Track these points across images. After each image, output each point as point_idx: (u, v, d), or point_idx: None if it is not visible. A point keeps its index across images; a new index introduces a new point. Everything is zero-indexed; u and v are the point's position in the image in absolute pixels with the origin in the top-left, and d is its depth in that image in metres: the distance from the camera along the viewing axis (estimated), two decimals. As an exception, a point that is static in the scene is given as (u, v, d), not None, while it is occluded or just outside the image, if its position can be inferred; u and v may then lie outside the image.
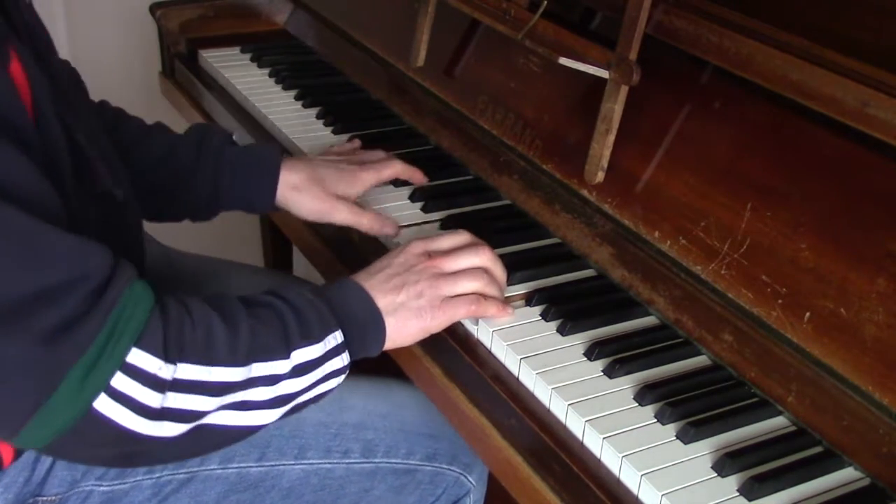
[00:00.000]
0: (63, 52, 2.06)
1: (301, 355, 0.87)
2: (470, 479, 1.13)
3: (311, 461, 1.07)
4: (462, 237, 1.02)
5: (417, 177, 1.23)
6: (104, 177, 0.89)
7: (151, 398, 0.79)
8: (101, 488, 1.01)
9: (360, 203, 1.17)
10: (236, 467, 1.05)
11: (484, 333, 0.98)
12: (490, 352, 0.97)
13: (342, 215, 1.14)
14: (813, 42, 0.91)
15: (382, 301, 0.94)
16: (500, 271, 1.01)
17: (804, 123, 0.92)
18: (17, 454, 0.96)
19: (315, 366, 0.89)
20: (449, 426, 1.06)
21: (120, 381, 0.77)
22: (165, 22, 1.64)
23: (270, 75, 1.56)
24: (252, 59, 1.61)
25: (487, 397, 0.94)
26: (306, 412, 1.07)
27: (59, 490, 0.99)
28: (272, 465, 1.06)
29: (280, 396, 0.87)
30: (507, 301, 1.01)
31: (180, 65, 1.64)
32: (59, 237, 0.76)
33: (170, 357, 0.80)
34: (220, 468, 1.04)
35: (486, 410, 0.94)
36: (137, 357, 0.78)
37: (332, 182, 1.15)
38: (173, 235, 1.38)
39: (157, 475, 1.02)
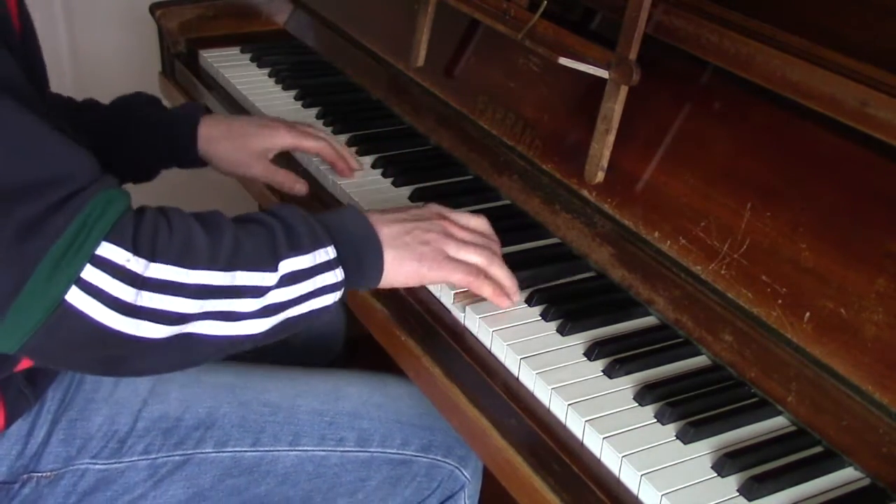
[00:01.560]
0: (63, 52, 2.07)
1: (289, 265, 0.87)
2: (465, 473, 1.14)
3: (305, 448, 1.07)
4: (482, 222, 1.03)
5: (341, 165, 1.24)
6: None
7: (124, 291, 0.79)
8: (96, 467, 1.01)
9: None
10: (231, 451, 1.05)
11: (484, 333, 0.98)
12: (490, 352, 0.97)
13: (257, 170, 1.21)
14: (813, 42, 0.91)
15: (386, 231, 0.95)
16: (500, 272, 1.01)
17: (804, 123, 0.92)
18: (9, 420, 0.96)
19: (305, 276, 0.88)
20: (444, 419, 1.06)
21: (90, 273, 0.78)
22: (165, 22, 1.64)
23: (270, 75, 1.56)
24: (252, 59, 1.61)
25: (487, 397, 0.94)
26: (301, 399, 1.08)
27: (53, 466, 1.00)
28: (267, 451, 1.06)
29: (269, 306, 0.87)
30: (513, 290, 1.01)
31: (180, 65, 1.64)
32: (53, 135, 0.79)
33: (140, 251, 0.80)
34: (214, 452, 1.05)
35: (485, 410, 0.94)
36: (106, 249, 0.79)
37: (250, 136, 1.21)
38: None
39: (153, 456, 1.03)
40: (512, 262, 1.05)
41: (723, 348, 0.93)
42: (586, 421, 0.86)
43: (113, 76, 2.12)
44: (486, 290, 0.98)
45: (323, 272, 0.89)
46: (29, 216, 0.76)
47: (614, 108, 1.03)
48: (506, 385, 0.93)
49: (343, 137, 1.36)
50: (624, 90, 1.02)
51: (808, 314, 0.87)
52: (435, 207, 1.02)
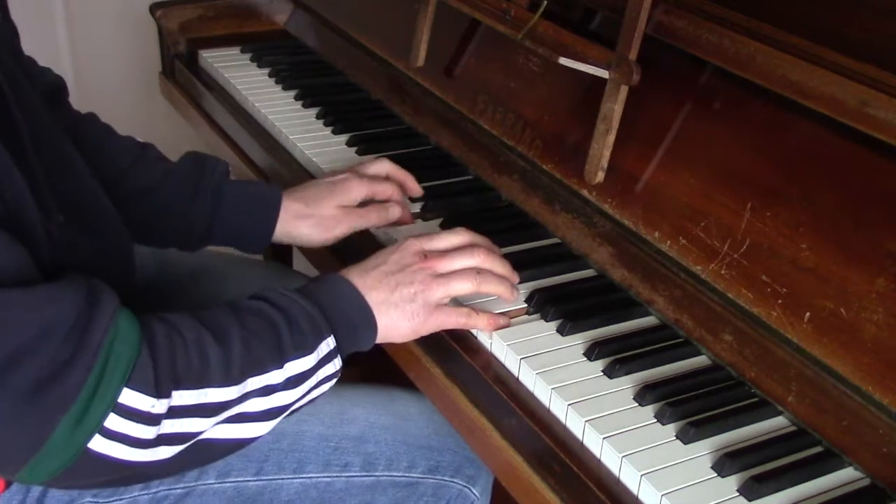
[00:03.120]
0: (63, 52, 2.07)
1: (295, 367, 0.87)
2: (474, 491, 1.12)
3: (309, 475, 1.06)
4: (459, 237, 1.02)
5: (410, 185, 1.21)
6: (47, 207, 0.85)
7: (146, 432, 0.79)
8: None
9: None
10: (233, 482, 1.03)
11: (484, 334, 0.98)
12: (490, 352, 0.97)
13: (346, 225, 1.14)
14: (813, 42, 0.91)
15: (374, 299, 0.94)
16: (499, 267, 1.01)
17: (804, 123, 0.92)
18: (9, 482, 0.95)
19: (308, 376, 0.89)
20: (453, 438, 1.05)
21: (114, 422, 0.77)
22: (165, 22, 1.64)
23: (270, 75, 1.56)
24: (252, 59, 1.61)
25: (487, 397, 0.94)
26: (306, 425, 1.07)
27: None
28: (270, 479, 1.05)
29: (274, 408, 0.87)
30: (506, 314, 1.00)
31: (180, 65, 1.64)
32: (14, 296, 0.74)
33: (162, 393, 0.79)
34: (217, 482, 1.03)
35: (486, 410, 0.94)
36: (129, 397, 0.77)
37: (328, 198, 1.14)
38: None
39: (154, 490, 1.01)
40: (512, 262, 1.05)
41: (723, 348, 0.93)
42: (586, 421, 0.86)
43: (113, 76, 2.12)
44: (480, 323, 0.98)
45: (324, 365, 0.90)
46: (30, 378, 0.73)
47: (614, 108, 1.03)
48: (506, 385, 0.93)
49: (343, 137, 1.36)
50: (624, 90, 1.02)
51: (808, 314, 0.87)
52: (413, 245, 0.99)
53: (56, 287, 0.77)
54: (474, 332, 0.99)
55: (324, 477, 1.06)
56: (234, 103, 1.51)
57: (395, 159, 1.28)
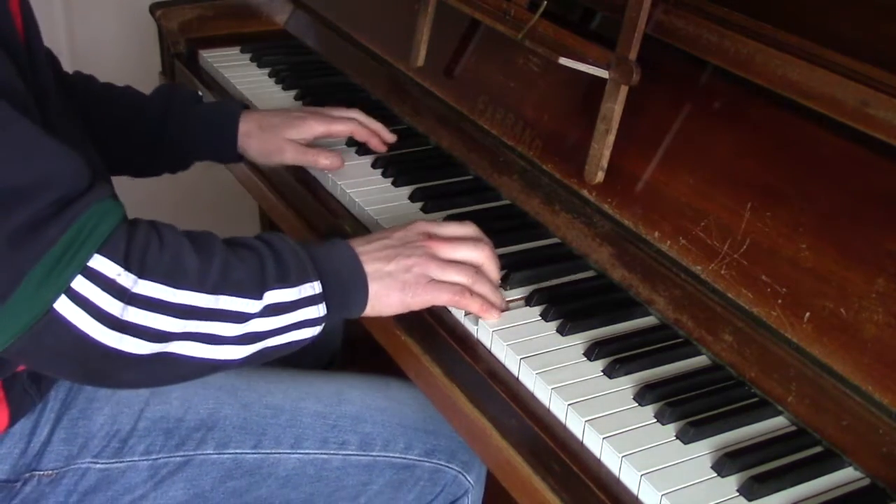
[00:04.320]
0: (63, 52, 2.07)
1: (274, 296, 0.88)
2: (469, 478, 1.13)
3: (307, 451, 1.07)
4: (467, 229, 1.03)
5: (374, 142, 1.27)
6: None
7: (111, 305, 0.80)
8: (97, 466, 1.01)
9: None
10: (232, 453, 1.05)
11: (484, 333, 0.98)
12: (490, 352, 0.97)
13: (288, 155, 1.24)
14: (813, 42, 0.91)
15: (371, 266, 0.96)
16: (494, 271, 1.01)
17: (804, 123, 0.92)
18: (13, 419, 0.96)
19: (288, 309, 0.89)
20: (447, 424, 1.06)
21: (80, 284, 0.79)
22: (165, 22, 1.64)
23: (270, 75, 1.56)
24: (252, 59, 1.61)
25: (487, 397, 0.94)
26: (304, 402, 1.08)
27: (55, 465, 1.00)
28: (268, 453, 1.06)
29: (249, 334, 0.88)
30: (499, 304, 1.00)
31: (180, 65, 1.64)
32: (41, 137, 0.79)
33: (131, 267, 0.81)
34: (215, 453, 1.05)
35: (486, 410, 0.94)
36: (98, 262, 0.80)
37: (281, 128, 1.24)
38: (174, 218, 1.38)
39: (154, 457, 1.03)
40: (512, 262, 1.06)
41: (723, 348, 0.93)
42: (586, 421, 0.86)
43: (113, 76, 2.12)
44: (473, 306, 0.98)
45: (306, 306, 0.91)
46: (21, 221, 0.77)
47: (614, 108, 1.04)
48: (506, 385, 0.93)
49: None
50: (624, 90, 1.02)
51: (808, 314, 0.87)
52: (420, 226, 1.02)
53: (73, 153, 0.82)
54: (474, 331, 0.99)
55: (321, 454, 1.07)
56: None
57: (396, 159, 1.29)
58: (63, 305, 0.79)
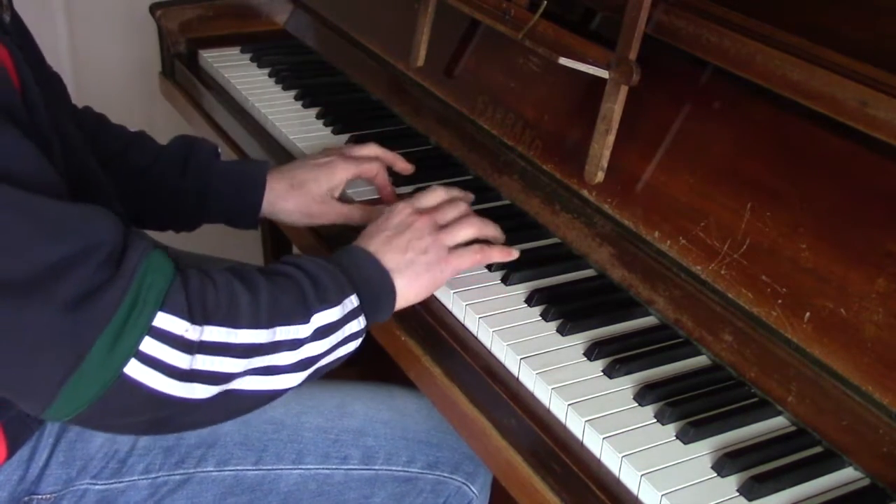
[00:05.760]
0: (63, 52, 2.07)
1: (321, 318, 0.88)
2: (473, 488, 1.12)
3: (308, 466, 1.06)
4: (440, 192, 1.06)
5: (400, 165, 1.23)
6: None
7: (180, 359, 0.80)
8: (97, 487, 1.01)
9: (348, 198, 1.19)
10: (233, 470, 1.04)
11: (484, 333, 0.98)
12: (490, 352, 0.97)
13: (331, 217, 1.16)
14: (813, 42, 0.91)
15: (391, 261, 0.96)
16: (491, 230, 1.06)
17: (804, 123, 0.92)
18: (11, 451, 0.96)
19: (335, 328, 0.90)
20: (452, 435, 1.06)
21: (149, 346, 0.78)
22: (165, 22, 1.64)
23: (270, 75, 1.56)
24: (252, 59, 1.61)
25: (487, 397, 0.94)
26: (305, 417, 1.07)
27: (54, 488, 0.99)
28: (269, 469, 1.05)
29: (303, 360, 0.88)
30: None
31: (180, 65, 1.64)
32: (68, 208, 0.78)
33: (195, 319, 0.81)
34: (216, 470, 1.04)
35: (485, 410, 0.94)
36: (164, 320, 0.79)
37: (312, 182, 1.16)
38: (171, 234, 1.37)
39: (154, 475, 1.02)
40: (512, 261, 1.06)
41: (723, 348, 0.93)
42: (586, 421, 0.86)
43: (113, 76, 2.12)
44: (495, 255, 1.02)
45: (350, 321, 0.91)
46: (74, 291, 0.75)
47: (614, 108, 1.04)
48: (506, 385, 0.93)
49: (343, 137, 1.36)
50: (624, 90, 1.02)
51: (808, 314, 0.87)
52: (405, 207, 1.02)
53: (102, 210, 0.80)
54: (474, 331, 0.99)
55: (323, 469, 1.07)
56: (234, 103, 1.51)
57: (396, 159, 1.29)
58: (133, 368, 0.78)
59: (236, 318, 0.83)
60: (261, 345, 0.84)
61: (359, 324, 0.92)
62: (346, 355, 0.93)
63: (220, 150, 1.22)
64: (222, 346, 0.82)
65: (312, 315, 0.88)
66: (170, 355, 0.79)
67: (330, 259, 0.95)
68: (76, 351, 0.75)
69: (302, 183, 1.16)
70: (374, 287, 0.94)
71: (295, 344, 0.87)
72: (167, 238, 1.34)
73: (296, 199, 1.15)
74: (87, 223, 0.78)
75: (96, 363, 0.76)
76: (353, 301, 0.91)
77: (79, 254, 0.76)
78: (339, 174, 1.17)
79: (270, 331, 0.85)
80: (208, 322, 0.81)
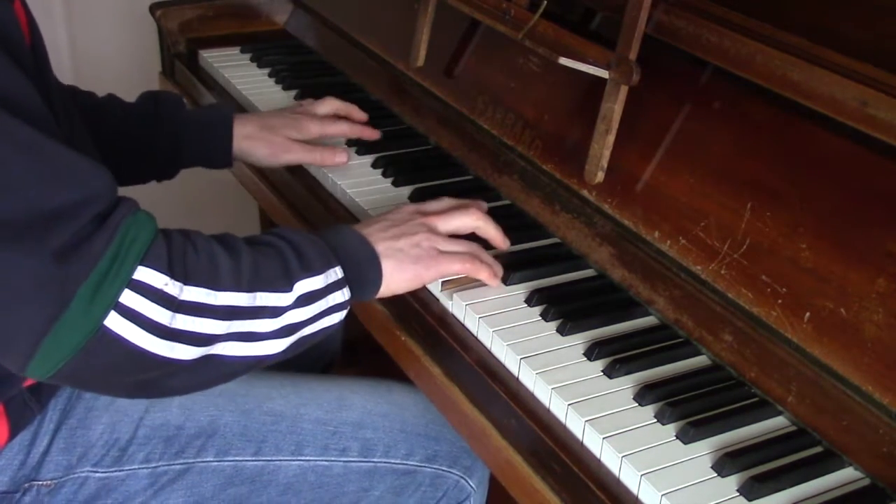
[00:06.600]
0: (63, 52, 2.07)
1: (304, 286, 0.89)
2: (471, 482, 1.13)
3: (307, 458, 1.07)
4: (449, 201, 1.08)
5: (366, 133, 1.30)
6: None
7: (161, 315, 0.80)
8: (97, 475, 1.01)
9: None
10: (232, 460, 1.05)
11: (484, 333, 0.98)
12: (490, 352, 0.97)
13: (294, 155, 1.24)
14: (813, 42, 0.91)
15: (381, 245, 0.97)
16: (492, 229, 1.06)
17: (804, 123, 0.92)
18: (13, 433, 0.96)
19: (318, 296, 0.90)
20: (450, 429, 1.06)
21: (129, 298, 0.79)
22: (165, 22, 1.64)
23: (270, 75, 1.56)
24: (252, 59, 1.61)
25: (487, 397, 0.94)
26: (304, 409, 1.07)
27: (54, 475, 1.00)
28: (268, 461, 1.06)
29: (286, 326, 0.89)
30: (499, 273, 1.04)
31: (180, 65, 1.64)
32: (72, 156, 0.79)
33: (175, 276, 0.81)
34: (216, 461, 1.04)
35: (485, 410, 0.94)
36: (144, 274, 0.80)
37: (282, 128, 1.25)
38: (171, 220, 1.38)
39: (154, 465, 1.02)
40: (512, 261, 1.06)
41: (723, 348, 0.93)
42: (586, 421, 0.86)
43: (113, 76, 2.12)
44: (482, 273, 1.01)
45: (333, 291, 0.92)
46: (64, 241, 0.76)
47: (614, 108, 1.04)
48: (506, 385, 0.93)
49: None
50: (624, 90, 1.02)
51: (808, 314, 0.87)
52: (409, 207, 1.05)
53: (97, 163, 0.81)
54: (474, 331, 0.99)
55: (322, 460, 1.07)
56: (234, 103, 1.50)
57: (396, 159, 1.29)
58: (113, 321, 0.78)
59: (216, 280, 0.84)
60: (241, 308, 0.85)
61: (343, 295, 0.92)
62: (329, 327, 0.93)
63: (184, 98, 1.30)
64: (203, 307, 0.83)
65: (295, 283, 0.88)
66: (150, 309, 0.80)
67: (318, 233, 0.96)
68: (60, 299, 0.76)
69: (273, 127, 1.25)
70: (359, 263, 0.95)
71: (277, 311, 0.87)
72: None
73: (265, 138, 1.24)
74: (88, 175, 0.80)
75: (77, 313, 0.76)
76: (337, 272, 0.92)
77: (77, 205, 0.77)
78: (309, 129, 1.27)
79: (251, 295, 0.86)
80: (188, 282, 0.82)
